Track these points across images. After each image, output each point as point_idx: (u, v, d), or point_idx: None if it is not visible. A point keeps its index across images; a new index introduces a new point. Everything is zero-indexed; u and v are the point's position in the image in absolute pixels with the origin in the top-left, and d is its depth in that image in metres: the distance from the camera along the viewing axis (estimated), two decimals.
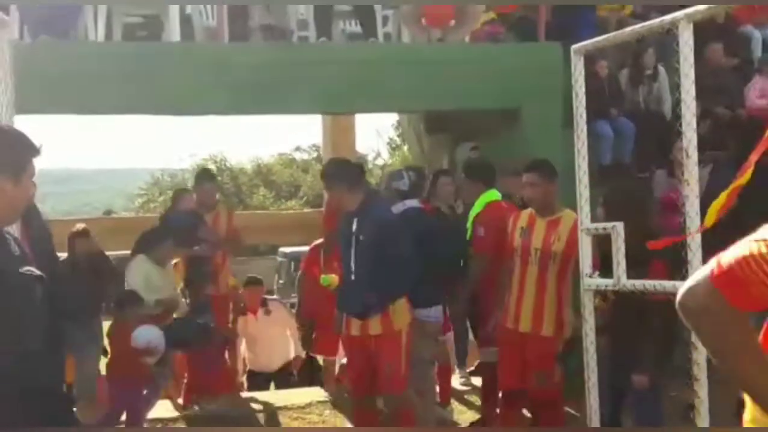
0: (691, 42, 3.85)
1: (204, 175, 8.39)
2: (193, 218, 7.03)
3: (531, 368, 5.25)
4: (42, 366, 2.62)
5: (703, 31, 9.63)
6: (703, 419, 3.93)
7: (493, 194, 6.23)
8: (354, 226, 5.23)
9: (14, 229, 3.04)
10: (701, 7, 3.87)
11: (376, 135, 44.17)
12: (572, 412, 5.85)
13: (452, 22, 8.13)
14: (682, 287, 1.85)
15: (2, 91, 3.59)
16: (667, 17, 3.96)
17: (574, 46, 4.63)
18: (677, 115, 3.96)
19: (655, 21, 4.11)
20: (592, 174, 8.32)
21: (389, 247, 5.16)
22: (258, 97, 7.21)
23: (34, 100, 5.81)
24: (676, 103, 3.99)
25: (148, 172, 39.85)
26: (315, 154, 33.04)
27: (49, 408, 2.64)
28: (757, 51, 9.89)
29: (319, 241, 7.49)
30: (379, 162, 32.86)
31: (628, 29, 4.43)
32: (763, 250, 1.75)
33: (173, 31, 7.57)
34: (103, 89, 6.72)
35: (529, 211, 5.43)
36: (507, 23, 8.80)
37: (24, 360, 2.54)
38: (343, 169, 5.54)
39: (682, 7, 3.97)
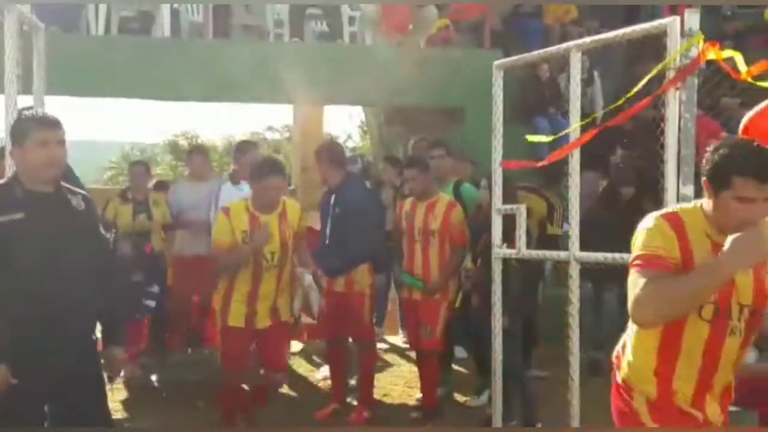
0: (579, 66, 4.89)
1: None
2: None
3: (419, 325, 6.12)
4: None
5: (638, 45, 10.83)
6: None
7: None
8: (332, 201, 6.05)
9: None
10: (588, 39, 4.94)
11: (348, 118, 45.52)
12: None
13: (410, 27, 9.26)
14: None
15: (39, 78, 4.63)
16: (562, 46, 5.05)
17: (495, 62, 5.55)
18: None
19: (554, 48, 5.20)
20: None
21: (360, 220, 5.98)
22: (237, 88, 8.26)
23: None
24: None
25: (118, 146, 40.36)
26: (287, 135, 33.87)
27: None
28: None
29: None
30: (350, 144, 33.91)
31: (536, 52, 5.43)
32: None
33: (164, 26, 8.61)
34: (102, 76, 7.80)
35: (410, 198, 6.23)
36: (459, 30, 9.89)
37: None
38: (330, 150, 6.33)
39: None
